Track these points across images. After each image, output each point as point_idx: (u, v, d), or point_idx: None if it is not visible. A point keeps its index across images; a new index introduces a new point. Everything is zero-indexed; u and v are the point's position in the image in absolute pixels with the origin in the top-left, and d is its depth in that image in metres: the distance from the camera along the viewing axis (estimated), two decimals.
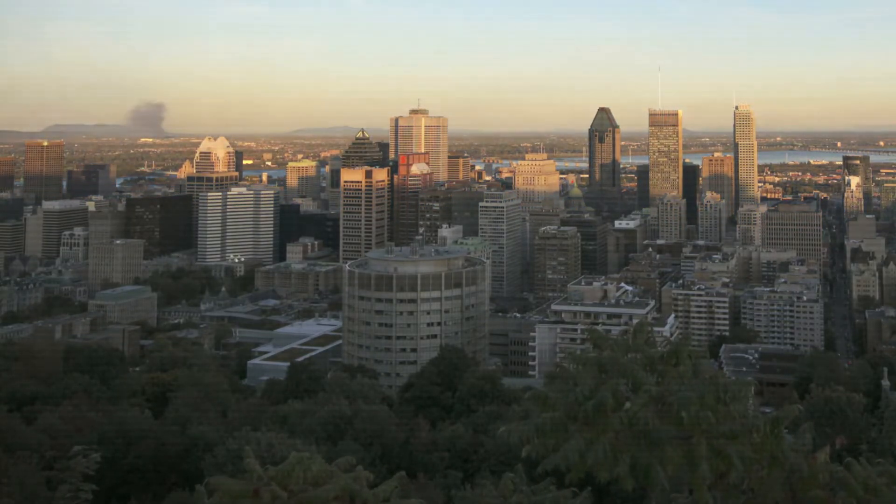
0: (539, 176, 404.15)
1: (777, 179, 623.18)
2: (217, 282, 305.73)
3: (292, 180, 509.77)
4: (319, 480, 13.14)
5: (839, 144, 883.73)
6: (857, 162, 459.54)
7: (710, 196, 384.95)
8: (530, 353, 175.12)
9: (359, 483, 13.35)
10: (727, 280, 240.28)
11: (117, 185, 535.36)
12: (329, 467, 13.54)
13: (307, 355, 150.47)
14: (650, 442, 13.23)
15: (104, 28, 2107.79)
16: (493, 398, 70.99)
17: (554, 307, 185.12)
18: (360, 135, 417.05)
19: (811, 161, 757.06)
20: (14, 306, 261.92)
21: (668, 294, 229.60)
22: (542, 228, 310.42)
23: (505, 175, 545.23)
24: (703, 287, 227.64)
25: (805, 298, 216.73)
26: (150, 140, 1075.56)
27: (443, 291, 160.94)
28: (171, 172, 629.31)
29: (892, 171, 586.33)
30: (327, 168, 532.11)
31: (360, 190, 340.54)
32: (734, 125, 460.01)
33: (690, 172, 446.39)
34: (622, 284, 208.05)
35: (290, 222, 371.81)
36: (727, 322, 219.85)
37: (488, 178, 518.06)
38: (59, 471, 23.44)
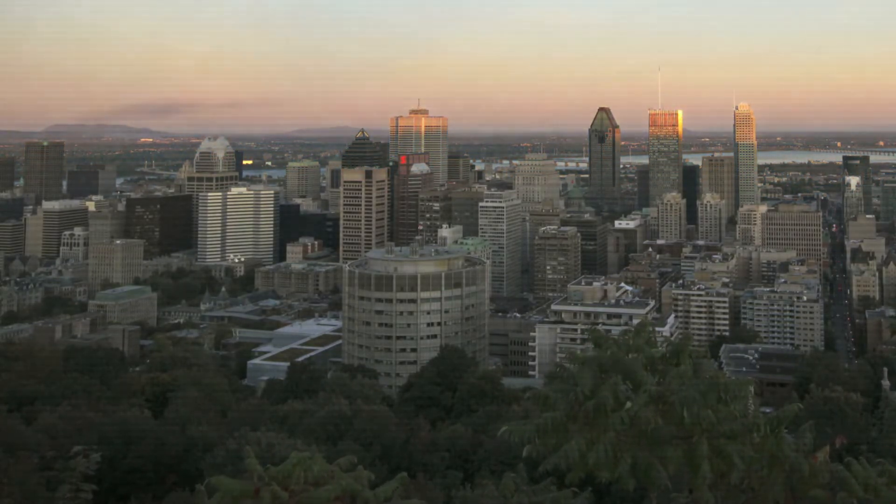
0: (539, 176, 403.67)
1: (777, 179, 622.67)
2: (217, 282, 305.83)
3: (292, 180, 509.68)
4: (320, 480, 13.12)
5: (839, 144, 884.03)
6: (857, 162, 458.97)
7: (710, 196, 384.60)
8: (530, 353, 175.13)
9: (360, 483, 13.34)
10: (727, 280, 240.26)
11: (117, 185, 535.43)
12: (330, 467, 13.52)
13: (307, 355, 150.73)
14: (651, 442, 13.23)
15: (104, 27, 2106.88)
16: (493, 398, 71.10)
17: (554, 307, 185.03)
18: (360, 135, 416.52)
19: (811, 161, 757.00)
20: (14, 306, 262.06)
21: (668, 294, 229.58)
22: (542, 228, 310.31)
23: (505, 175, 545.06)
24: (703, 287, 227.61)
25: (805, 298, 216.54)
26: (150, 140, 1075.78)
27: (443, 291, 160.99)
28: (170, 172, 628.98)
29: (892, 171, 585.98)
30: (328, 168, 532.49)
31: (360, 190, 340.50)
32: (734, 125, 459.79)
33: (690, 172, 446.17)
34: (622, 284, 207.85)
35: (290, 222, 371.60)
36: (727, 322, 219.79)
37: (488, 178, 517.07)
38: (59, 471, 23.42)
